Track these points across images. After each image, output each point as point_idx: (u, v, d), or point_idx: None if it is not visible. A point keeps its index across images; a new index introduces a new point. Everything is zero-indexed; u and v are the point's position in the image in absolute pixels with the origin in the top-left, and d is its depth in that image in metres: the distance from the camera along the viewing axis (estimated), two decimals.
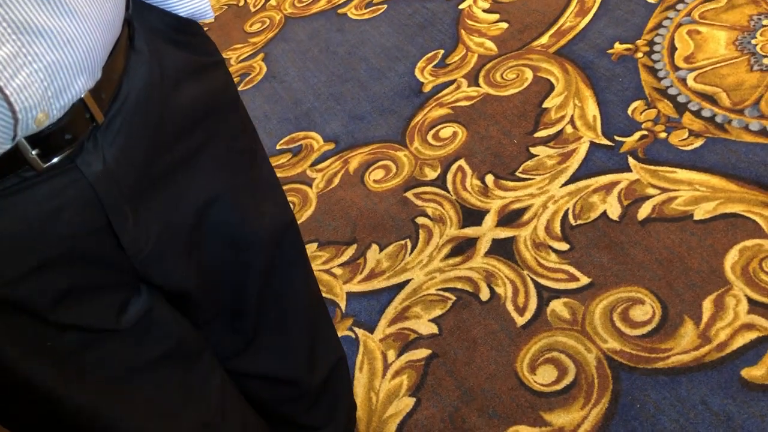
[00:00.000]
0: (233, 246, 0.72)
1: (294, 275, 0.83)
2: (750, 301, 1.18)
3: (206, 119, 0.66)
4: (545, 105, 1.64)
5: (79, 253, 0.56)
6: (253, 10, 2.44)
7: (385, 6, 2.15)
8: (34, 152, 0.50)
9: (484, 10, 1.98)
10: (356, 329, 1.38)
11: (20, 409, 0.64)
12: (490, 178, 1.54)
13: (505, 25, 1.91)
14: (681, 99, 1.53)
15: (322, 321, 0.93)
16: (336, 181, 1.69)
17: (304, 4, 2.33)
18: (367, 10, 2.17)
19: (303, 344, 0.88)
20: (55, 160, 0.52)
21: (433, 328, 1.33)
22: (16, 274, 0.53)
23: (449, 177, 1.58)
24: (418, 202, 1.56)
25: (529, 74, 1.74)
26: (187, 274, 0.68)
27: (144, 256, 0.61)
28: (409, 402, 1.24)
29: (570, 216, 1.41)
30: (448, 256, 1.43)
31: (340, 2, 2.26)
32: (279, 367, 0.88)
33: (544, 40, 1.81)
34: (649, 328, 1.20)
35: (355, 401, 1.10)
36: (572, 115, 1.59)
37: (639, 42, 1.70)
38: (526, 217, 1.44)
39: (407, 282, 1.42)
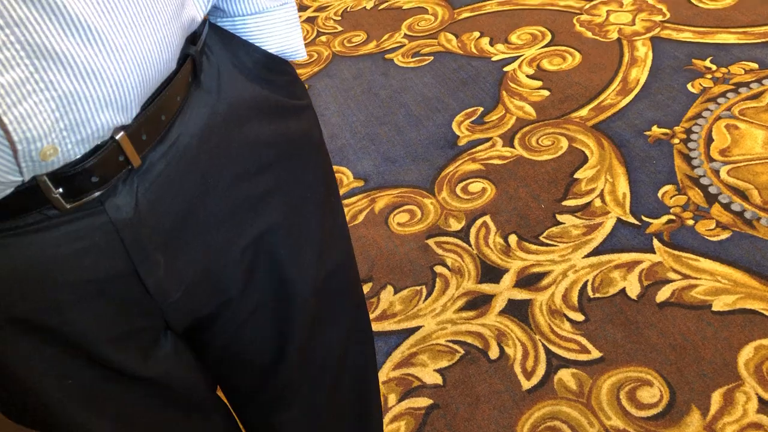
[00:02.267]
0: (278, 291, 0.67)
1: (329, 337, 0.77)
2: (761, 400, 1.17)
3: (278, 163, 0.61)
4: (577, 175, 1.66)
5: (104, 296, 0.53)
6: (307, 57, 2.50)
7: (432, 58, 2.20)
8: (57, 191, 0.46)
9: (528, 75, 2.02)
10: None
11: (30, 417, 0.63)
12: (513, 238, 1.55)
13: (546, 92, 1.94)
14: (712, 190, 1.55)
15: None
16: (360, 218, 1.71)
17: (353, 44, 2.39)
18: (414, 59, 2.22)
19: (323, 399, 0.80)
20: (82, 201, 0.48)
21: (438, 379, 1.32)
22: (41, 306, 0.51)
23: (473, 231, 1.60)
24: (439, 251, 1.57)
25: (564, 143, 1.76)
26: (215, 312, 0.64)
27: (172, 300, 0.58)
28: None
29: (589, 288, 1.41)
30: (461, 309, 1.43)
31: (388, 48, 2.31)
32: (290, 418, 0.80)
33: (584, 112, 1.84)
34: (655, 411, 1.19)
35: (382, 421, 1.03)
36: (602, 190, 1.61)
37: (677, 128, 1.72)
38: (544, 282, 1.44)
39: (418, 328, 1.42)
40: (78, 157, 0.46)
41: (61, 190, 0.47)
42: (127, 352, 0.58)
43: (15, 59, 0.40)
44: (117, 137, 0.48)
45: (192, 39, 0.56)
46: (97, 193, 0.48)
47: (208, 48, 0.58)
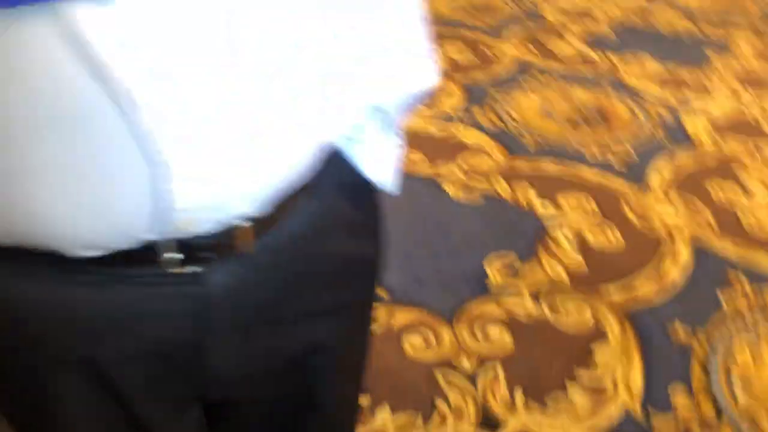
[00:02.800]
0: (303, 396, 0.69)
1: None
2: None
3: (347, 281, 0.64)
4: (595, 354, 1.67)
5: (170, 359, 0.55)
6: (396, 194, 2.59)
7: (481, 197, 2.27)
8: (170, 255, 0.50)
9: (569, 241, 2.07)
10: None
11: None
12: (519, 396, 1.55)
13: (583, 263, 1.99)
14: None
15: None
16: (376, 327, 1.72)
17: (410, 161, 2.48)
18: (464, 193, 2.29)
19: None
20: (186, 269, 0.51)
21: None
22: (113, 354, 0.53)
23: (482, 375, 1.60)
24: (444, 386, 1.57)
25: (589, 316, 1.79)
26: (247, 396, 0.67)
27: (220, 380, 0.60)
28: None
29: None
30: None
31: (441, 173, 2.40)
32: None
33: (616, 294, 1.87)
34: None
35: None
36: (615, 374, 1.62)
37: (701, 335, 1.75)
38: None
39: None
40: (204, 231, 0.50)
41: (173, 255, 0.50)
42: (165, 416, 0.61)
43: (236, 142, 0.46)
44: (238, 223, 0.51)
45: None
46: (203, 266, 0.52)
47: None
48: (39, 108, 0.40)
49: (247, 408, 0.68)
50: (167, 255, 0.50)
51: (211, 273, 0.52)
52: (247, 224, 0.52)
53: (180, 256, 0.50)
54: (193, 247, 0.50)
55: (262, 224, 0.53)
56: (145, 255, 0.49)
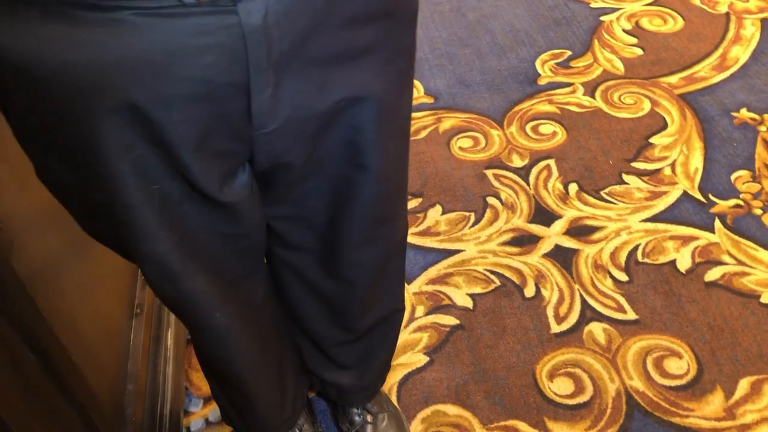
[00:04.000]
0: (352, 157, 0.68)
1: (390, 225, 0.81)
2: None
3: (382, 19, 0.61)
4: (652, 140, 1.61)
5: (209, 102, 0.54)
6: None
7: None
8: None
9: (624, 30, 1.94)
10: None
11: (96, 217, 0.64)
12: (573, 187, 1.52)
13: (640, 51, 1.86)
14: None
15: (394, 266, 0.91)
16: (423, 134, 1.68)
17: None
18: None
19: (367, 280, 0.86)
20: None
21: (468, 303, 1.32)
22: (155, 96, 0.51)
23: (534, 171, 1.57)
24: (495, 183, 1.55)
25: (647, 105, 1.70)
26: (297, 160, 0.65)
27: (266, 131, 0.59)
28: (422, 359, 1.24)
29: (639, 251, 1.38)
30: (506, 243, 1.42)
31: None
32: (333, 288, 0.87)
33: (674, 79, 1.76)
34: (678, 382, 1.18)
35: (390, 363, 1.08)
36: (675, 160, 1.56)
37: (767, 116, 1.65)
38: (596, 236, 1.42)
39: (458, 251, 1.41)
40: None
41: None
42: (210, 172, 0.59)
43: None
44: None
45: None
46: None
47: None
48: None
49: (299, 172, 0.67)
50: None
51: (245, 1, 0.50)
52: None
53: None
54: None
55: None
56: None
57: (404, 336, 1.27)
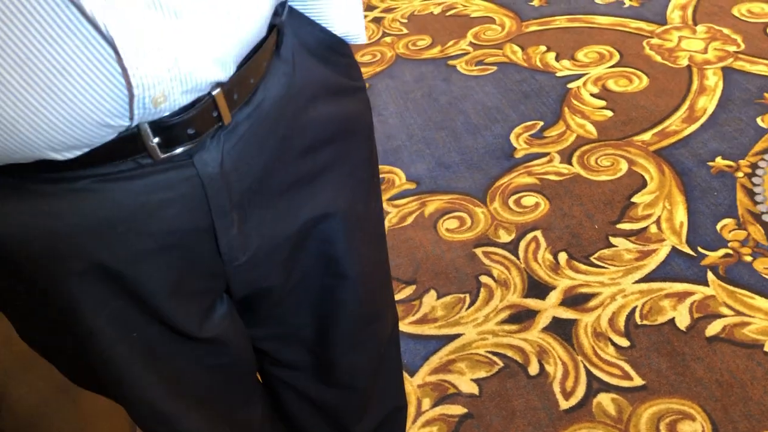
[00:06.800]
0: (328, 268, 0.70)
1: (379, 322, 0.81)
2: None
3: (336, 141, 0.64)
4: (634, 199, 1.63)
5: (178, 250, 0.55)
6: (367, 41, 2.51)
7: (495, 68, 2.19)
8: (155, 140, 0.49)
9: (592, 94, 1.99)
10: None
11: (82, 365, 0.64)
12: (563, 256, 1.53)
13: (609, 113, 1.91)
14: None
15: (389, 362, 0.90)
16: (409, 220, 1.71)
17: (418, 48, 2.39)
18: (477, 67, 2.21)
19: (363, 381, 0.85)
20: (175, 152, 0.50)
21: (474, 389, 1.31)
22: (122, 254, 0.53)
23: (522, 244, 1.58)
24: (486, 261, 1.56)
25: (624, 165, 1.73)
26: (275, 282, 0.66)
27: (239, 264, 0.60)
28: None
29: (637, 314, 1.38)
30: (504, 322, 1.42)
31: (452, 54, 2.31)
32: (332, 397, 0.86)
33: (647, 136, 1.80)
34: None
35: None
36: (660, 217, 1.58)
37: (742, 162, 1.68)
38: (592, 303, 1.42)
39: (458, 336, 1.41)
40: (181, 107, 0.49)
41: (158, 139, 0.49)
42: (188, 312, 0.60)
43: (145, 10, 0.43)
44: (214, 93, 0.50)
45: (277, 10, 0.58)
46: (190, 146, 0.51)
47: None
48: None
49: (278, 293, 0.68)
50: (151, 142, 0.49)
51: (199, 152, 0.52)
52: (220, 92, 0.51)
53: (158, 139, 0.49)
54: (173, 127, 0.49)
55: (236, 88, 0.52)
56: (128, 146, 0.49)
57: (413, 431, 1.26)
